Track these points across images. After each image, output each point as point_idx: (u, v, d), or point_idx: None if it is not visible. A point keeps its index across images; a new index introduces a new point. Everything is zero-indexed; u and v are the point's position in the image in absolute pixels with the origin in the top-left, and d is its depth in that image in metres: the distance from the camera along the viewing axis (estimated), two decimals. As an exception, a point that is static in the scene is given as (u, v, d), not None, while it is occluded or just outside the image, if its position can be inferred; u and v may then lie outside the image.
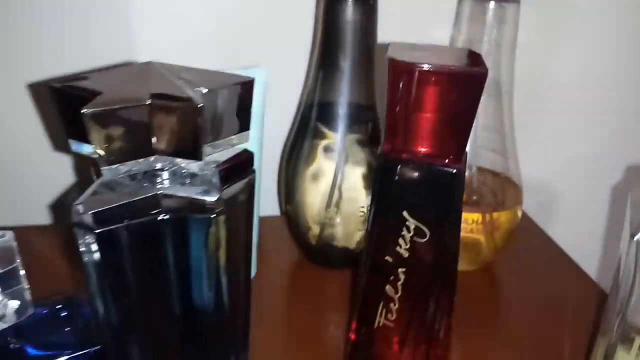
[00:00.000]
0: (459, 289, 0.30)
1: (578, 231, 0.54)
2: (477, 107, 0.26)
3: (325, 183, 0.40)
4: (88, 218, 0.21)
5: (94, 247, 0.21)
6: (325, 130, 0.40)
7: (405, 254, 0.28)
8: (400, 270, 0.29)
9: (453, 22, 0.45)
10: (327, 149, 0.40)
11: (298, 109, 0.44)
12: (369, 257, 0.30)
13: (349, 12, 0.37)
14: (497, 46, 0.40)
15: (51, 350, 0.24)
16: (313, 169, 0.40)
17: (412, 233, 0.28)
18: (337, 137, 0.39)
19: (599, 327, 0.32)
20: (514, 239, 0.45)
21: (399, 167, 0.27)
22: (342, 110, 0.39)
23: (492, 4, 0.39)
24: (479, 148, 0.43)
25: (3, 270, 0.23)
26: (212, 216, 0.22)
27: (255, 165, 0.26)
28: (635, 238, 0.26)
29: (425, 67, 0.25)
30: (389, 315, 0.30)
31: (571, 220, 0.57)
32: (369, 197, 0.38)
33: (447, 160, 0.27)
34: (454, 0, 0.44)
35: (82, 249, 0.22)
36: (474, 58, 0.28)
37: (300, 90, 0.46)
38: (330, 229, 0.41)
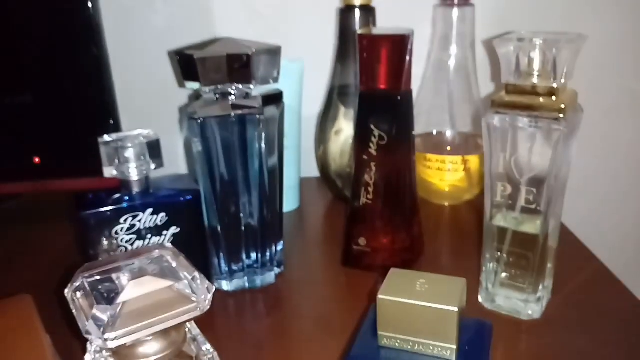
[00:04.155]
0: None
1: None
2: (405, 59, 0.44)
3: (343, 137, 0.59)
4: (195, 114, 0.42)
5: (198, 139, 0.42)
6: (343, 104, 0.59)
7: (374, 152, 0.46)
8: (372, 163, 0.47)
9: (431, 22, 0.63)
10: (345, 115, 0.59)
11: (328, 89, 0.64)
12: (354, 158, 0.48)
13: (355, 22, 0.57)
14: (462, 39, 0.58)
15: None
16: (336, 127, 0.60)
17: (377, 138, 0.46)
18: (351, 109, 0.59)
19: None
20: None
21: (367, 95, 0.46)
22: (354, 90, 0.59)
23: (455, 9, 0.58)
24: (457, 117, 0.60)
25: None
26: (259, 115, 0.42)
27: (296, 131, 0.48)
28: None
29: (373, 33, 0.44)
30: (368, 196, 0.48)
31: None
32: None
33: (395, 91, 0.45)
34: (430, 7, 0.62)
35: (193, 141, 0.43)
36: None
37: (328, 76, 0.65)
38: (348, 164, 0.60)
